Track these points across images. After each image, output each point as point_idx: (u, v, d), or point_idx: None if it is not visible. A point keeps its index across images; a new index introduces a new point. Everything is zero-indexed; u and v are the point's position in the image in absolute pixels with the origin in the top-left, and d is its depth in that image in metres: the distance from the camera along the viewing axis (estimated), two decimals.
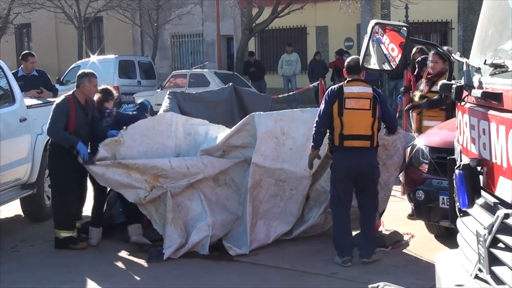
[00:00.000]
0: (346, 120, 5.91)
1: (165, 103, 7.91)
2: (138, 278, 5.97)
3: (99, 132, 6.77)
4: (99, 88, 7.09)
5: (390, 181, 6.69)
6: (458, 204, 3.27)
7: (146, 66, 21.96)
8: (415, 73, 8.60)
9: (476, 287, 2.98)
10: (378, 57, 4.35)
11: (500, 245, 2.78)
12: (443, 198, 5.98)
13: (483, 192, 3.11)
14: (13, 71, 9.29)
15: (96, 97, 7.03)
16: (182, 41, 27.21)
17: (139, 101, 9.75)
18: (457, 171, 3.20)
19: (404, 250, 6.57)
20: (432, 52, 7.52)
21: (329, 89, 6.14)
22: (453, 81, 3.57)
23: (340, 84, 6.12)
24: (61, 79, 20.05)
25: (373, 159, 6.04)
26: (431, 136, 6.53)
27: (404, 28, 4.46)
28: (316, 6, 21.95)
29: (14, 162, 7.18)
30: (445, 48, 6.67)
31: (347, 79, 6.07)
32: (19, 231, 7.57)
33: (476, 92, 3.06)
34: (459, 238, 3.46)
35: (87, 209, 7.32)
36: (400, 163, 6.63)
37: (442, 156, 5.87)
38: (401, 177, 6.84)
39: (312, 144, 6.07)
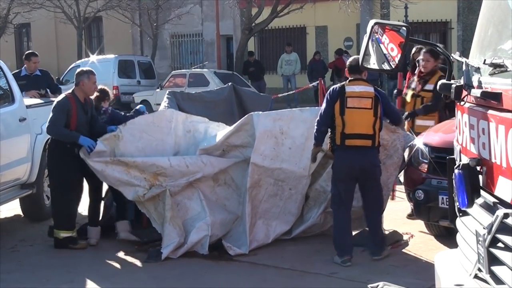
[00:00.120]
0: (347, 119, 5.94)
1: (165, 102, 7.91)
2: (137, 278, 5.97)
3: (98, 128, 6.78)
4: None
5: (389, 181, 6.68)
6: (457, 203, 3.27)
7: (146, 66, 21.97)
8: (415, 73, 8.59)
9: (476, 287, 2.98)
10: (378, 57, 4.34)
11: (500, 244, 2.78)
12: (442, 198, 5.99)
13: (482, 192, 3.11)
14: (16, 71, 9.32)
15: (93, 95, 7.06)
16: (181, 41, 27.21)
17: (138, 100, 9.75)
18: (456, 171, 3.19)
19: (404, 250, 6.56)
20: (423, 50, 7.52)
21: (331, 88, 6.17)
22: (452, 81, 3.57)
23: (342, 83, 6.15)
24: (61, 79, 20.02)
25: (374, 158, 6.07)
26: (431, 135, 6.53)
27: (404, 28, 4.46)
28: (316, 6, 21.95)
29: (13, 162, 7.18)
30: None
31: (349, 78, 6.10)
32: (19, 231, 7.56)
33: (476, 92, 3.06)
34: (458, 238, 3.46)
35: (83, 210, 7.32)
36: (399, 163, 6.63)
37: (442, 155, 5.87)
38: (401, 177, 6.85)
39: (314, 141, 6.11)
